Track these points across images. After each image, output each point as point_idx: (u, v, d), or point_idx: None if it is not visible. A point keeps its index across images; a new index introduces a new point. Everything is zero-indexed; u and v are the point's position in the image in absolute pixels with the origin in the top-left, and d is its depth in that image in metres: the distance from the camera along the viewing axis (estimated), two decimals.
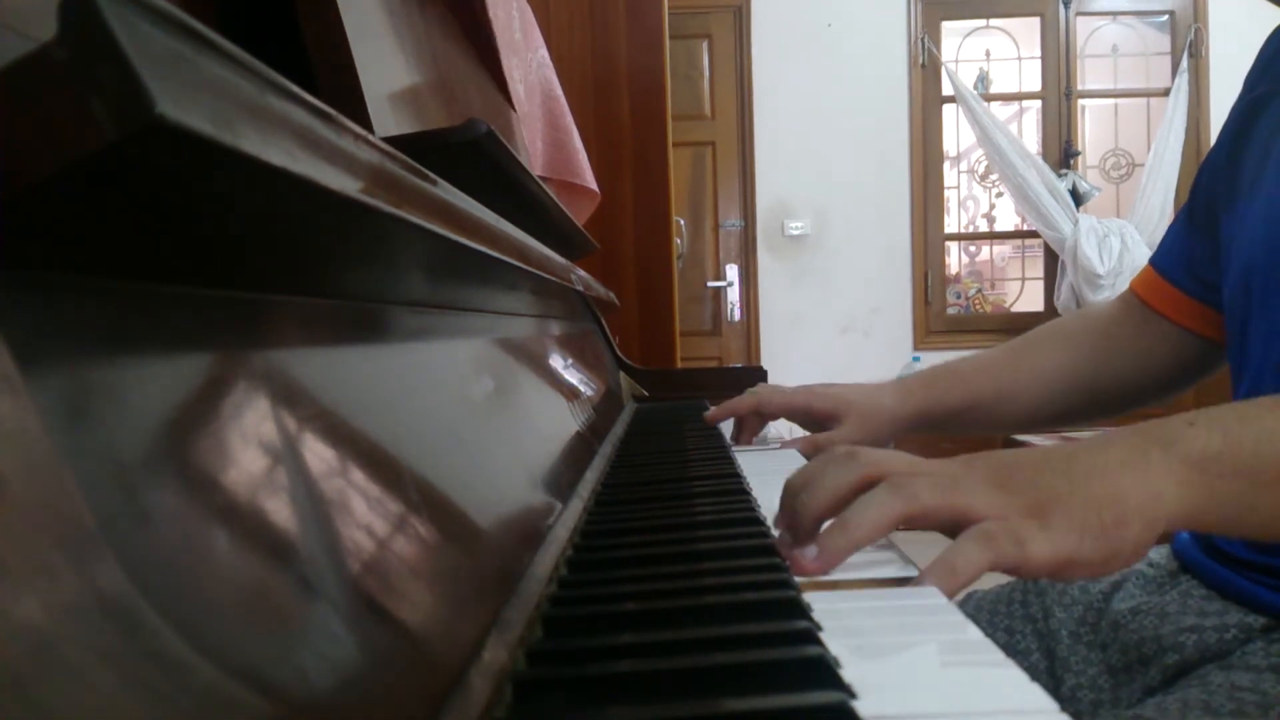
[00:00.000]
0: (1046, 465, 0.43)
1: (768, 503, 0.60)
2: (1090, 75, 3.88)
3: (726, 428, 0.93)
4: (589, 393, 0.91)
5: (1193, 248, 0.78)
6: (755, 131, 3.77)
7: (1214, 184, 0.75)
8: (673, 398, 1.34)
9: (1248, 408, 0.45)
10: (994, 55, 3.94)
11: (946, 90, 3.78)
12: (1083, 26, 3.83)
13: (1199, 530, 0.45)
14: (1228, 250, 0.71)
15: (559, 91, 1.46)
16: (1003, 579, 0.85)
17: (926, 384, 0.85)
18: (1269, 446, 0.42)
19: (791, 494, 0.45)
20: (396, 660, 0.24)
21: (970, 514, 0.41)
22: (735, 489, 0.61)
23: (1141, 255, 3.54)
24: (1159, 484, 0.42)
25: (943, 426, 0.87)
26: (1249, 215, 0.67)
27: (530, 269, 0.52)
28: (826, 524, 0.44)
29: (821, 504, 0.44)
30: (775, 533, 0.48)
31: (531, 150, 1.27)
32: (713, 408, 0.92)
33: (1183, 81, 3.71)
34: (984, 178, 4.04)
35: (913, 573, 0.43)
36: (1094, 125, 3.99)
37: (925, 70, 3.78)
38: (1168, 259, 0.82)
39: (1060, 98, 3.81)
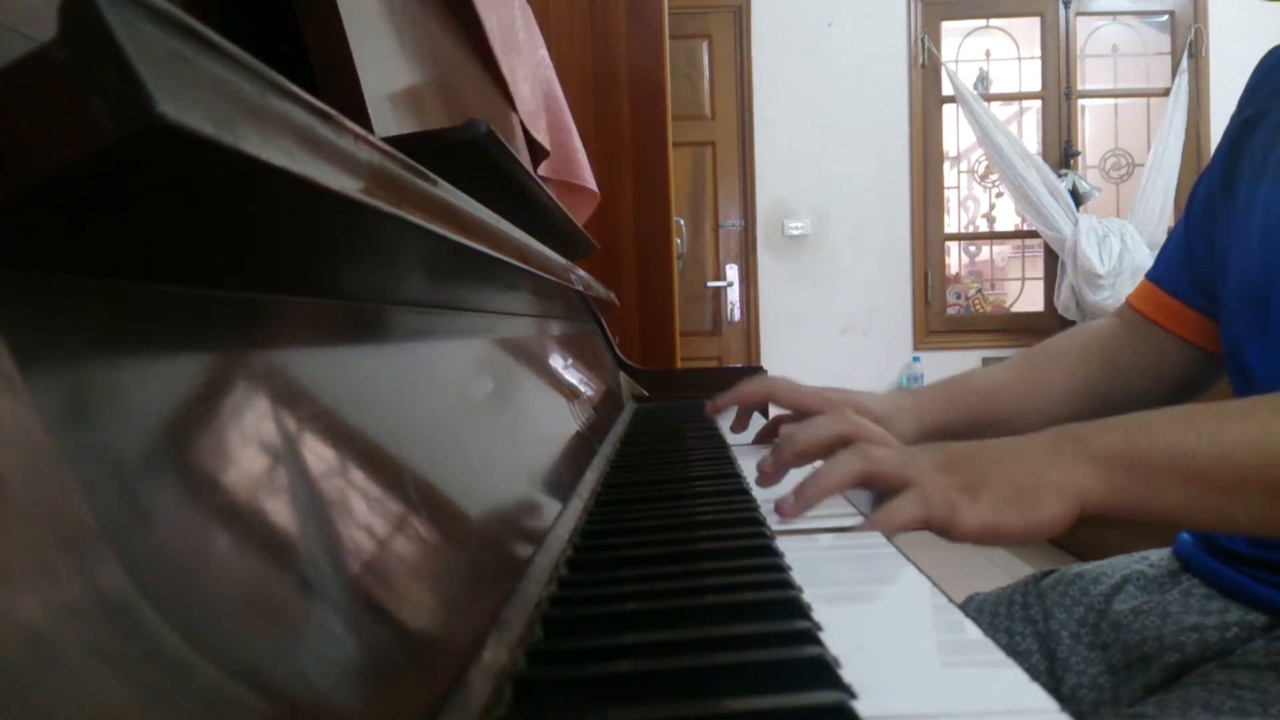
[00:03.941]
0: (982, 454, 0.53)
1: (765, 499, 0.60)
2: (1090, 75, 3.88)
3: (725, 423, 0.93)
4: (589, 393, 0.91)
5: (1193, 260, 0.79)
6: (755, 131, 3.77)
7: (1210, 200, 0.76)
8: (673, 398, 1.34)
9: (1152, 416, 0.53)
10: (994, 55, 3.94)
11: (946, 90, 3.78)
12: (1083, 26, 3.83)
13: (1109, 512, 0.51)
14: (1225, 267, 0.71)
15: (559, 91, 1.46)
16: (1002, 582, 0.86)
17: (944, 399, 0.83)
18: (1158, 450, 0.50)
19: (789, 433, 0.58)
20: (396, 660, 0.24)
21: (916, 482, 0.51)
22: (735, 489, 0.61)
23: (1141, 255, 3.54)
24: (1070, 472, 0.50)
25: (957, 440, 0.85)
26: (1244, 233, 0.68)
27: (530, 269, 0.52)
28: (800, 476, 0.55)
29: (802, 445, 0.57)
30: (775, 530, 0.50)
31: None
32: (717, 398, 0.86)
33: (1183, 81, 3.71)
34: (984, 178, 4.04)
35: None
36: (1094, 125, 3.99)
37: (925, 70, 3.78)
38: (1167, 272, 0.81)
39: (1060, 98, 3.81)
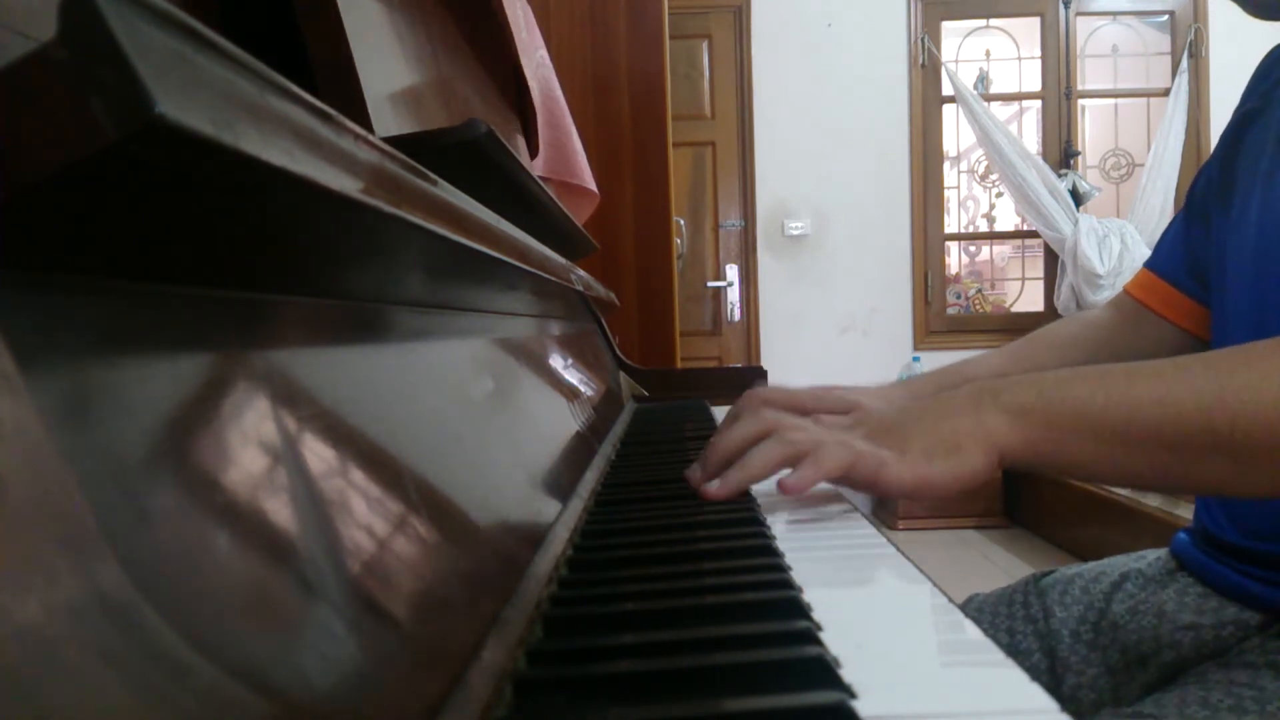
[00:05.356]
0: (907, 415, 0.55)
1: (768, 503, 0.60)
2: (1090, 75, 3.88)
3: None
4: (589, 393, 0.91)
5: (1193, 250, 0.79)
6: (755, 131, 3.77)
7: (1208, 195, 0.77)
8: (673, 398, 1.34)
9: (1067, 375, 0.54)
10: (994, 55, 3.94)
11: (946, 90, 3.78)
12: (1083, 26, 3.83)
13: (1027, 463, 0.54)
14: (1220, 264, 0.72)
15: (558, 92, 1.46)
16: (1001, 582, 0.86)
17: (934, 386, 0.84)
18: (1070, 407, 0.52)
19: (711, 442, 0.60)
20: (397, 660, 0.24)
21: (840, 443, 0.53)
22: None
23: (1141, 255, 3.54)
24: (988, 423, 0.53)
25: None
26: (1240, 233, 0.69)
27: (530, 269, 0.52)
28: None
29: (726, 449, 0.58)
30: (775, 532, 0.50)
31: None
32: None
33: (1183, 81, 3.71)
34: (984, 178, 4.04)
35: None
36: (1094, 125, 3.99)
37: (925, 70, 3.78)
38: (1167, 261, 0.82)
39: (1060, 98, 3.81)
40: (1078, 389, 0.53)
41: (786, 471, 0.55)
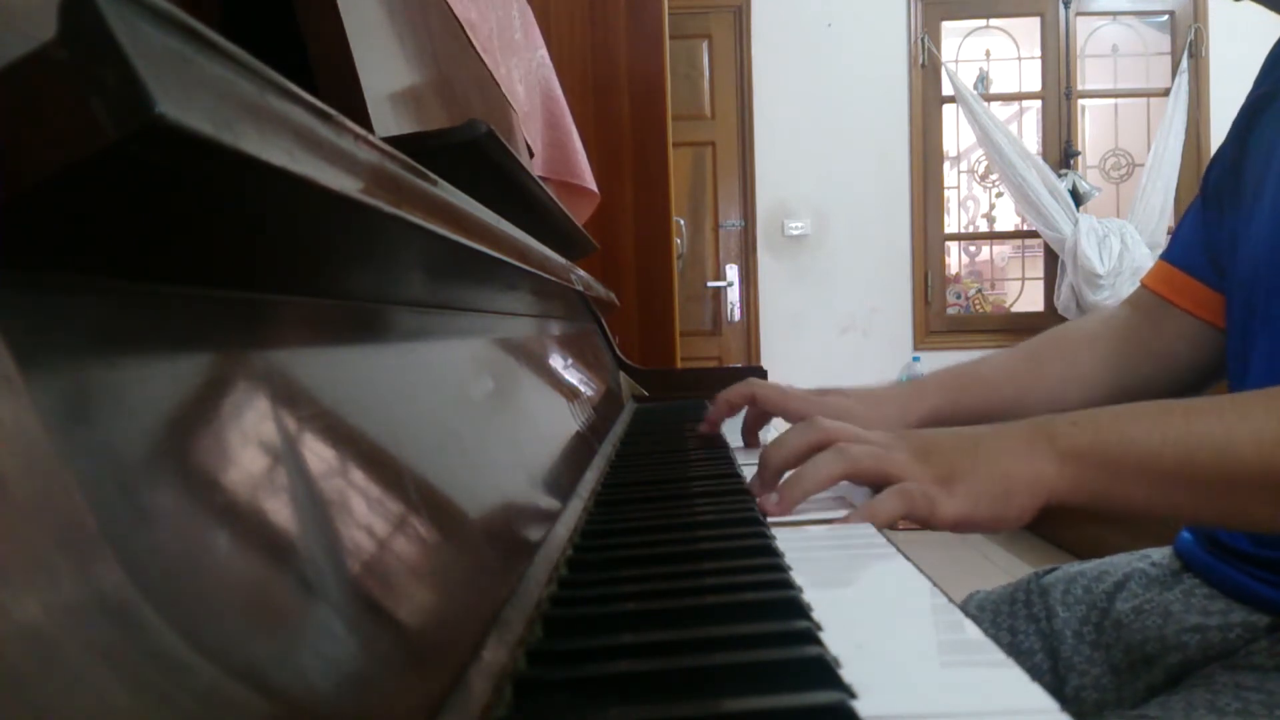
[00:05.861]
0: (958, 445, 0.55)
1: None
2: (1090, 75, 3.88)
3: (731, 429, 0.91)
4: (589, 393, 0.91)
5: (1210, 238, 0.77)
6: (755, 131, 3.77)
7: (1222, 181, 0.75)
8: (673, 398, 1.34)
9: (1121, 414, 0.55)
10: (994, 55, 3.94)
11: (946, 90, 3.78)
12: (1083, 26, 3.83)
13: (1075, 504, 0.54)
14: (1232, 257, 0.71)
15: (559, 92, 1.46)
16: (1003, 580, 0.85)
17: (942, 385, 0.82)
18: (1126, 448, 0.52)
19: (765, 452, 0.59)
20: (396, 660, 0.24)
21: (895, 477, 0.53)
22: (735, 489, 0.61)
23: (1141, 255, 3.54)
24: (1040, 467, 0.53)
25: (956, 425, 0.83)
26: (1252, 225, 0.67)
27: (530, 269, 0.52)
28: (787, 474, 0.57)
29: (782, 459, 0.58)
30: (774, 531, 0.50)
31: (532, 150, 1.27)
32: (709, 414, 0.85)
33: (1183, 81, 3.71)
34: (984, 178, 4.04)
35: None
36: (1094, 125, 3.99)
37: (925, 70, 3.78)
38: (1185, 252, 0.80)
39: (1060, 98, 3.81)
40: (1134, 428, 0.53)
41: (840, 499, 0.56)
